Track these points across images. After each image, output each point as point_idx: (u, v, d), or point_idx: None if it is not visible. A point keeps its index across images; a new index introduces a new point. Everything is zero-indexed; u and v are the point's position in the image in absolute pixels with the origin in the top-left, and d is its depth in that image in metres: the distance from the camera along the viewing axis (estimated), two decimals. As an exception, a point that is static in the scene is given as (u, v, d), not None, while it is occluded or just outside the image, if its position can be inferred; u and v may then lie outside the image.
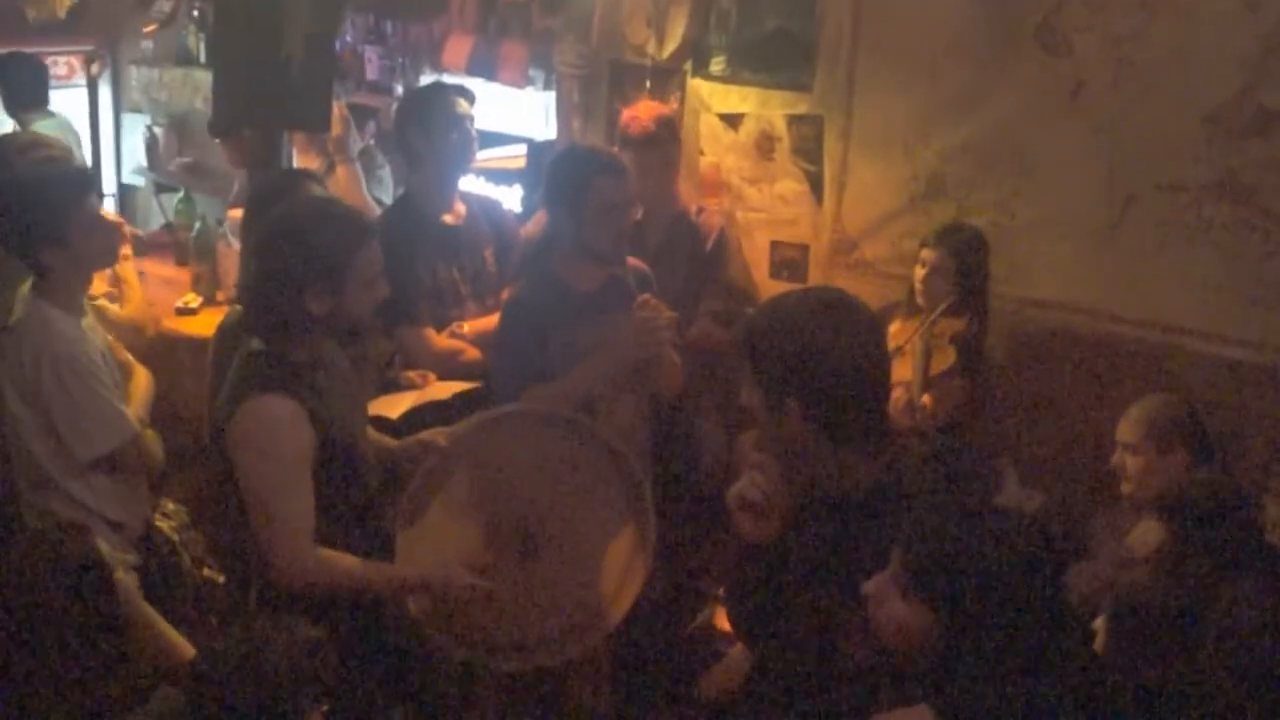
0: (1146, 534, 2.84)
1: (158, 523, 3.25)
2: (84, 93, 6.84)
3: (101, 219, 3.14)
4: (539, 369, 3.12)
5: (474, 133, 3.67)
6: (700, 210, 4.04)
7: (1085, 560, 3.12)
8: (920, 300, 3.58)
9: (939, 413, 3.45)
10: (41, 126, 5.43)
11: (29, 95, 5.69)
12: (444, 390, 3.32)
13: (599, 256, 3.20)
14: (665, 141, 3.90)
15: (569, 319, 3.15)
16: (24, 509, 3.06)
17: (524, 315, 3.20)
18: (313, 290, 2.55)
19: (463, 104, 3.64)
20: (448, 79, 4.79)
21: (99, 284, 3.46)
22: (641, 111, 3.96)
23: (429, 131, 3.58)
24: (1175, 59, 3.39)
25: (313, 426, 2.55)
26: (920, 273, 3.60)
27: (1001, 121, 3.72)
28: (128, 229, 3.89)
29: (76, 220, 2.97)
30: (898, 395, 3.32)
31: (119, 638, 2.30)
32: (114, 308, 3.58)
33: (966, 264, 3.53)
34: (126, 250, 3.72)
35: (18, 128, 5.55)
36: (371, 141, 5.14)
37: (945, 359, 3.44)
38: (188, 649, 2.75)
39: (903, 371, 3.33)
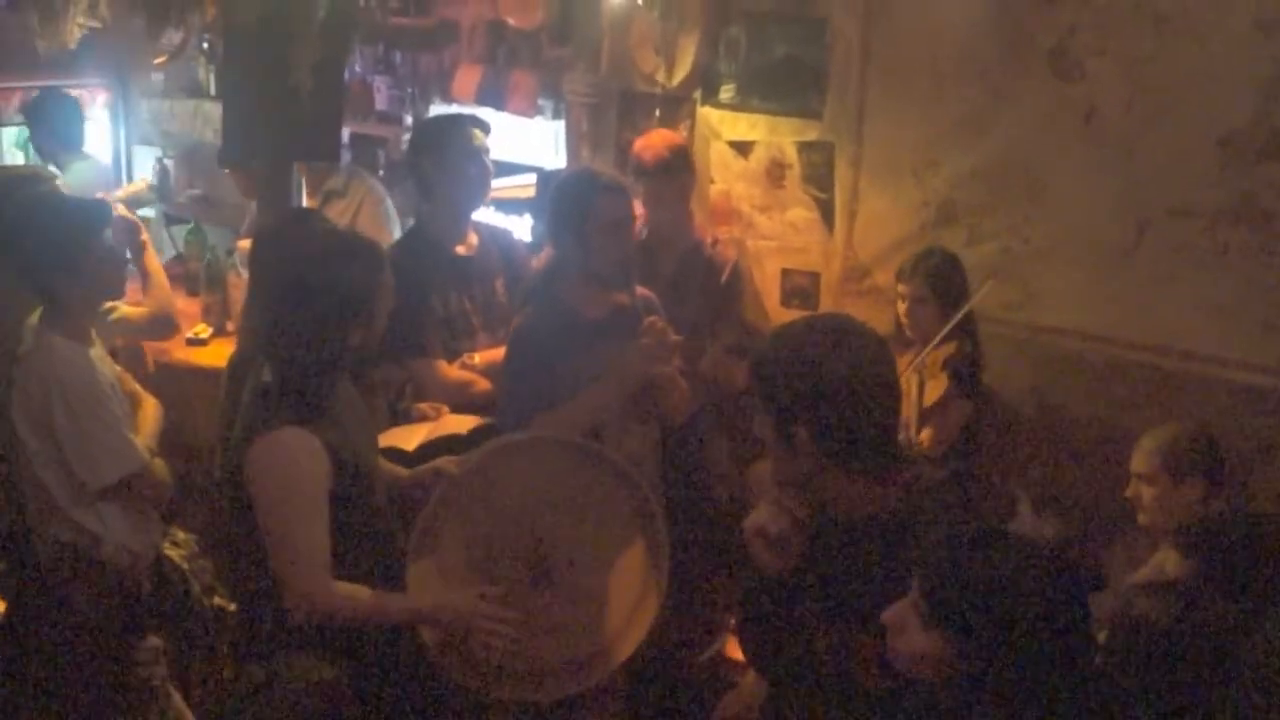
0: (1164, 564, 2.80)
1: (167, 551, 3.26)
2: (100, 126, 6.83)
3: (113, 251, 3.15)
4: (547, 397, 3.10)
5: (489, 165, 3.64)
6: (715, 242, 4.02)
7: (1103, 590, 3.08)
8: (909, 333, 3.58)
9: (943, 441, 3.44)
10: (76, 169, 5.23)
11: (65, 136, 5.42)
12: (462, 424, 3.29)
13: (606, 280, 3.19)
14: (680, 170, 3.88)
15: (576, 346, 3.12)
16: (35, 538, 3.06)
17: (531, 343, 3.17)
18: (353, 325, 2.60)
19: (479, 136, 3.62)
20: (457, 108, 4.79)
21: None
22: (655, 140, 3.94)
23: (444, 163, 3.55)
24: (1189, 82, 3.38)
25: (329, 457, 2.54)
26: (902, 307, 3.62)
27: (1013, 146, 3.71)
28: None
29: (90, 251, 3.00)
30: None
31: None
32: (134, 310, 3.55)
33: (943, 288, 3.53)
34: (145, 237, 3.69)
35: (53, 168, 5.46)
36: (380, 173, 5.15)
37: (940, 385, 3.44)
38: None
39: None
